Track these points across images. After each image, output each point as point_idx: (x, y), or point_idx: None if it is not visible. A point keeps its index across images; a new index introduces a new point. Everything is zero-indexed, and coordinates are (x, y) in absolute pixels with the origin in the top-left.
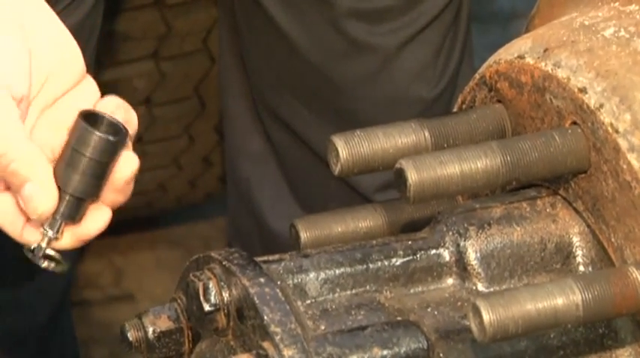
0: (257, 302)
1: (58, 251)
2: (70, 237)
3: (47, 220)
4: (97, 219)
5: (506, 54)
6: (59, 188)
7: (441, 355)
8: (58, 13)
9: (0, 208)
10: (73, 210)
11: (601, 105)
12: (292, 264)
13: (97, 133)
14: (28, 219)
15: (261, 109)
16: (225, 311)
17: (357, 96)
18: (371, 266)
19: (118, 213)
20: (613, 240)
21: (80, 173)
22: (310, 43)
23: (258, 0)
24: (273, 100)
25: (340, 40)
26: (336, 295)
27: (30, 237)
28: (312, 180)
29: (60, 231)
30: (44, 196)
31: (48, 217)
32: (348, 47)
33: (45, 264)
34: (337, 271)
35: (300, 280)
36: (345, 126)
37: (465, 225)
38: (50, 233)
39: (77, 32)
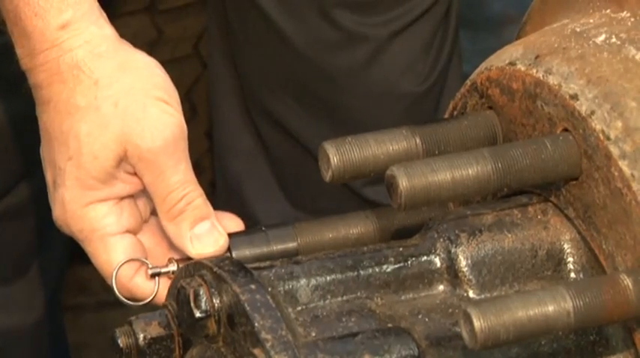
0: (248, 308)
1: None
2: None
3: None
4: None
5: (498, 60)
6: None
7: None
8: None
9: (119, 251)
10: None
11: (592, 112)
12: (283, 270)
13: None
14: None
15: (251, 106)
16: (216, 317)
17: (347, 88)
18: (362, 272)
19: None
20: (604, 247)
21: None
22: (301, 34)
23: None
24: (263, 96)
25: (331, 30)
26: (327, 302)
27: (140, 284)
28: (302, 175)
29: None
30: (221, 234)
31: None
32: (339, 37)
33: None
34: (328, 278)
35: (291, 287)
36: (334, 120)
37: (456, 232)
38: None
39: None
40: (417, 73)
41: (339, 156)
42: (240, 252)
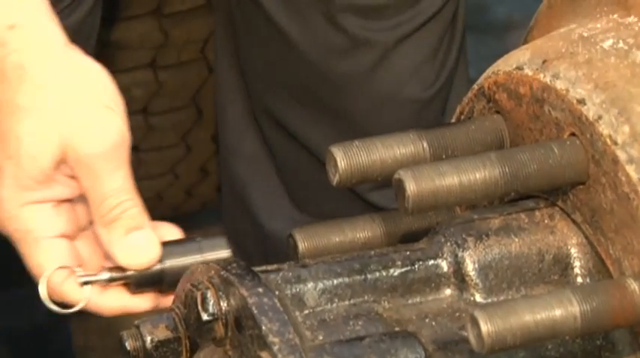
0: (255, 312)
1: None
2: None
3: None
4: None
5: (505, 65)
6: None
7: None
8: (60, 12)
9: (51, 255)
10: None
11: (600, 117)
12: (290, 274)
13: None
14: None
15: (257, 109)
16: (224, 320)
17: (353, 93)
18: (369, 276)
19: None
20: (611, 251)
21: None
22: (307, 39)
23: None
24: (269, 100)
25: (337, 35)
26: (334, 305)
27: (71, 290)
28: (307, 179)
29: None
30: (154, 245)
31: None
32: (345, 43)
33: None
34: (335, 281)
35: (298, 290)
36: (340, 124)
37: (463, 236)
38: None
39: (77, 31)
40: (424, 78)
41: (346, 159)
42: (172, 262)
